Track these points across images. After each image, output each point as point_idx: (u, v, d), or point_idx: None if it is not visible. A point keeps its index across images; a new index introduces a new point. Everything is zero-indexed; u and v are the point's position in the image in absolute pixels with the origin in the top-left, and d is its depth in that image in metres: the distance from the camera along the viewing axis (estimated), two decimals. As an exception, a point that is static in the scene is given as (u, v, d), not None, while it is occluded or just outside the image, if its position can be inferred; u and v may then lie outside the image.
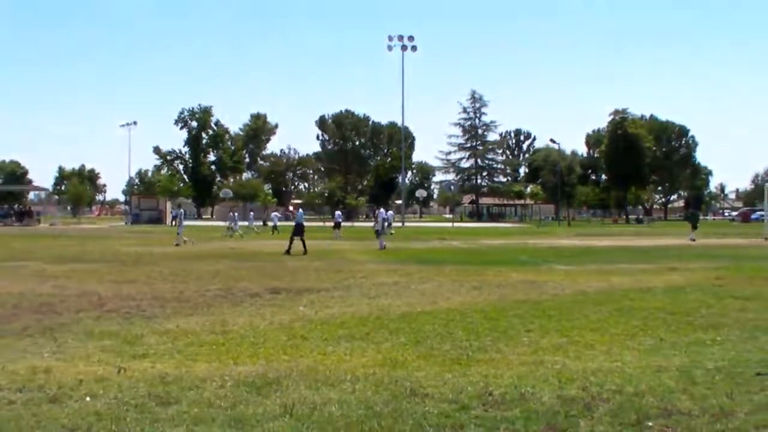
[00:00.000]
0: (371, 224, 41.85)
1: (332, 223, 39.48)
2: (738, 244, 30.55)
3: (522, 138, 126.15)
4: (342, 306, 10.57)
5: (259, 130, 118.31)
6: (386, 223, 46.10)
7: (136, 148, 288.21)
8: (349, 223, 63.59)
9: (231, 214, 40.75)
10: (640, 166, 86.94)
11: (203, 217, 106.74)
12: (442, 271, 16.70)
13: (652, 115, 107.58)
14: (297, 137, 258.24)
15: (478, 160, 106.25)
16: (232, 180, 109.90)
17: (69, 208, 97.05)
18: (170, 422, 4.75)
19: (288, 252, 22.43)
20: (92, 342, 7.71)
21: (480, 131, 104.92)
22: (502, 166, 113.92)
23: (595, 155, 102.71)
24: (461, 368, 6.35)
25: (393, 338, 7.90)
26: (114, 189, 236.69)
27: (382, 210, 26.86)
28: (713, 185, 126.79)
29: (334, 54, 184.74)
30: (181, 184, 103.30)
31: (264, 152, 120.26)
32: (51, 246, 27.51)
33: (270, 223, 46.60)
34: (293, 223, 25.23)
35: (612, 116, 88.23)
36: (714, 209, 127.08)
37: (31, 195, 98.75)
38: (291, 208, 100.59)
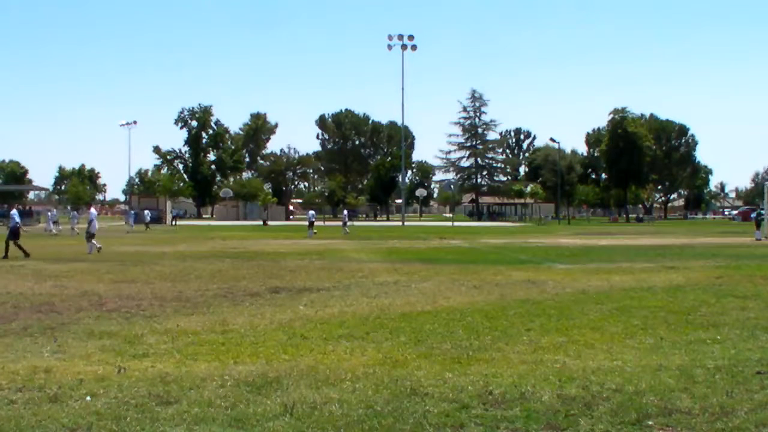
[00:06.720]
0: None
1: (341, 222, 39.57)
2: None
3: (522, 137, 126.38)
4: (342, 305, 10.55)
5: (259, 129, 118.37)
6: (345, 222, 45.62)
7: (136, 147, 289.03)
8: (350, 222, 63.56)
9: (50, 213, 37.80)
10: (640, 165, 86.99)
11: (203, 216, 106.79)
12: (442, 270, 16.69)
13: (652, 114, 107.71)
14: (297, 136, 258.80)
15: (478, 159, 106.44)
16: (232, 179, 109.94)
17: (69, 207, 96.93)
18: (170, 422, 4.75)
19: (5, 257, 20.00)
20: (92, 341, 7.71)
21: (480, 130, 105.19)
22: (502, 165, 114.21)
23: (595, 154, 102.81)
24: (461, 367, 6.34)
25: (393, 337, 7.89)
26: (114, 189, 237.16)
27: (92, 210, 24.73)
28: (713, 184, 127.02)
29: (334, 53, 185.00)
30: (181, 184, 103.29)
31: (264, 151, 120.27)
32: (51, 245, 27.52)
33: (46, 223, 42.04)
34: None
35: (612, 115, 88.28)
36: (714, 208, 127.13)
37: (31, 195, 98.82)
38: (291, 207, 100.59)
